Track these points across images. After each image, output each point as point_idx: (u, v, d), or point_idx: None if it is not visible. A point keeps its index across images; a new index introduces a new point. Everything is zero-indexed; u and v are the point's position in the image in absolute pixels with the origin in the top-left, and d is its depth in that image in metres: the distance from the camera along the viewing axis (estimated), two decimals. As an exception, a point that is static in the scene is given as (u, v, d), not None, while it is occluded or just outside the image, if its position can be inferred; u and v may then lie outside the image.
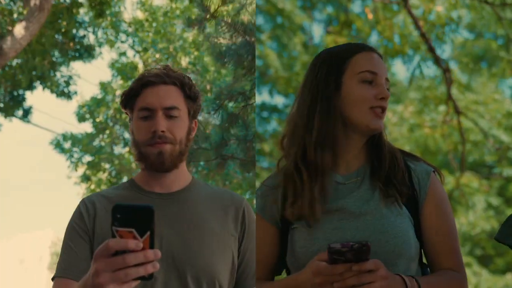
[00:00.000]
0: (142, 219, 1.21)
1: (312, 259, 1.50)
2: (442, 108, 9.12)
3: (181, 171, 1.89)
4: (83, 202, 1.87)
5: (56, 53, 11.20)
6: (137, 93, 1.85)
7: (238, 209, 1.88)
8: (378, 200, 1.62)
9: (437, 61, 8.65)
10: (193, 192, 1.89)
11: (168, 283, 1.73)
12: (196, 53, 13.00)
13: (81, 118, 13.37)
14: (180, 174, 1.89)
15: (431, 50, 8.53)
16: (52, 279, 1.81)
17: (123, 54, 13.94)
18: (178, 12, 12.73)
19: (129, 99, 1.87)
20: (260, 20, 9.99)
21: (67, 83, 11.46)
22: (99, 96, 13.79)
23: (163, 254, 1.60)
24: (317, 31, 13.50)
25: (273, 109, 10.88)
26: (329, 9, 10.34)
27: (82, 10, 10.84)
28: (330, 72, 1.66)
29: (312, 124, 1.65)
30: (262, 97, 10.60)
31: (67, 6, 10.14)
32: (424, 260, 1.68)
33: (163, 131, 1.80)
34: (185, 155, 1.87)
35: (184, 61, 12.94)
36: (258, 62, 9.98)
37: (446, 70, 8.65)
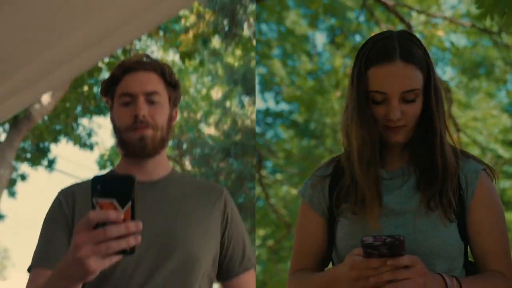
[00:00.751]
0: (122, 190, 1.17)
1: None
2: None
3: (162, 158, 1.86)
4: (61, 192, 1.82)
5: (78, 108, 11.86)
6: (118, 79, 1.83)
7: (219, 197, 1.88)
8: (420, 199, 1.56)
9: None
10: (174, 181, 1.87)
11: (152, 269, 1.70)
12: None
13: (102, 166, 13.78)
14: (161, 161, 1.86)
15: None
16: (29, 270, 1.72)
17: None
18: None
19: (110, 86, 1.85)
20: (264, 29, 10.25)
21: (89, 135, 12.06)
22: (118, 145, 14.32)
23: (147, 241, 1.59)
24: (320, 39, 13.81)
25: (278, 115, 10.70)
26: (333, 20, 10.24)
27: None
28: (357, 77, 1.58)
29: (347, 127, 1.62)
30: (267, 103, 10.78)
31: (88, 71, 10.87)
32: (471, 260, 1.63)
33: (144, 116, 1.77)
34: (166, 142, 1.84)
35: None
36: (262, 70, 10.40)
37: (446, 91, 9.39)
